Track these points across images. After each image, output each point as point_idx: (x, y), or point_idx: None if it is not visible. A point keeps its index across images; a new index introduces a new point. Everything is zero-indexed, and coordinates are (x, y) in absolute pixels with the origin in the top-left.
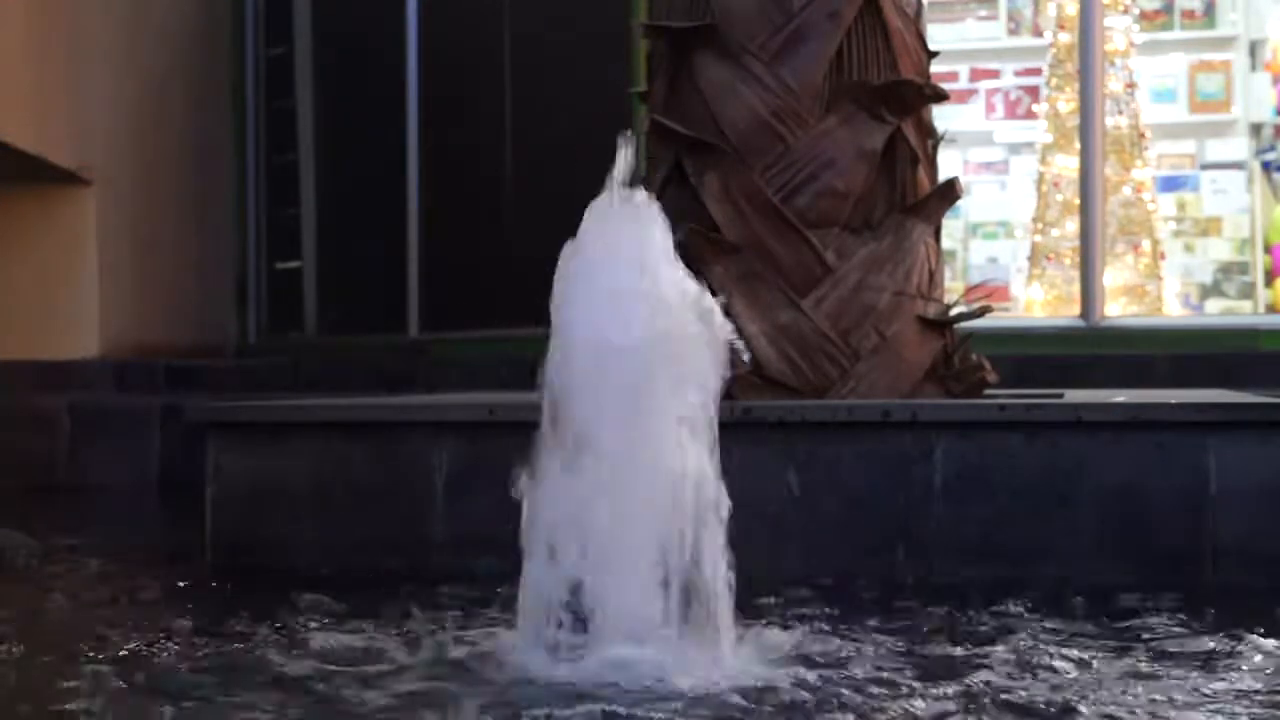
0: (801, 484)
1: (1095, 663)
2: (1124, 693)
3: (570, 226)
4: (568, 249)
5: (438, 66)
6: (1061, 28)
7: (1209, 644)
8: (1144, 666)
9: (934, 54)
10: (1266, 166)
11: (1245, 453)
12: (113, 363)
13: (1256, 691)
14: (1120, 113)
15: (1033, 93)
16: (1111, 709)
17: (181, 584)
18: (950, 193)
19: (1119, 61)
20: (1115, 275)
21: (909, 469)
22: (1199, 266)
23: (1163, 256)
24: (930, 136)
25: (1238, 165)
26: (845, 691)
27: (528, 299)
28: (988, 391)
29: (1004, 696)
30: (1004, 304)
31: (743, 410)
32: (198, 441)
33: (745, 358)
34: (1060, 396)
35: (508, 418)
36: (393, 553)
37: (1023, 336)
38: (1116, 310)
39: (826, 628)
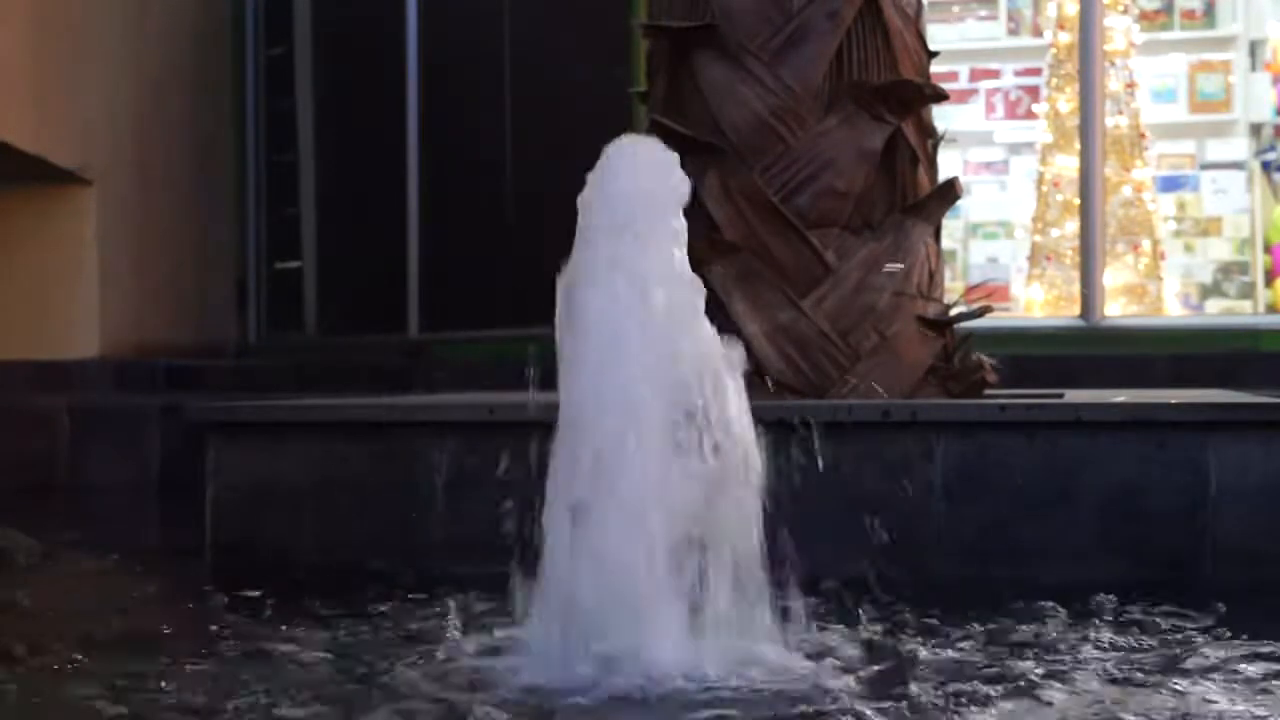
0: (800, 484)
1: None
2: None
3: (570, 227)
4: None
5: (438, 66)
6: (1061, 28)
7: None
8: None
9: (934, 54)
10: (1266, 166)
11: (1245, 453)
12: (113, 363)
13: None
14: (1120, 113)
15: (1033, 93)
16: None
17: (180, 584)
18: (950, 193)
19: (1119, 61)
20: (1115, 275)
21: (909, 469)
22: (1199, 266)
23: (1163, 256)
24: (930, 136)
25: (1238, 165)
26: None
27: (527, 299)
28: (988, 391)
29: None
30: (1004, 304)
31: None
32: (198, 441)
33: None
34: (1060, 396)
35: (508, 418)
36: (393, 553)
37: (1023, 336)
38: (1116, 310)
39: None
